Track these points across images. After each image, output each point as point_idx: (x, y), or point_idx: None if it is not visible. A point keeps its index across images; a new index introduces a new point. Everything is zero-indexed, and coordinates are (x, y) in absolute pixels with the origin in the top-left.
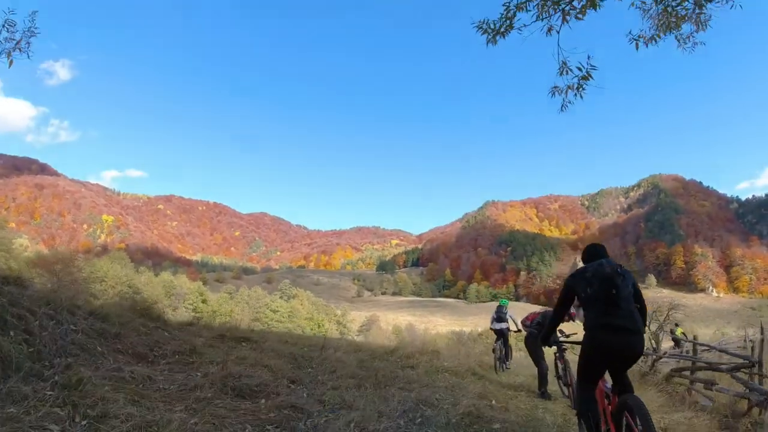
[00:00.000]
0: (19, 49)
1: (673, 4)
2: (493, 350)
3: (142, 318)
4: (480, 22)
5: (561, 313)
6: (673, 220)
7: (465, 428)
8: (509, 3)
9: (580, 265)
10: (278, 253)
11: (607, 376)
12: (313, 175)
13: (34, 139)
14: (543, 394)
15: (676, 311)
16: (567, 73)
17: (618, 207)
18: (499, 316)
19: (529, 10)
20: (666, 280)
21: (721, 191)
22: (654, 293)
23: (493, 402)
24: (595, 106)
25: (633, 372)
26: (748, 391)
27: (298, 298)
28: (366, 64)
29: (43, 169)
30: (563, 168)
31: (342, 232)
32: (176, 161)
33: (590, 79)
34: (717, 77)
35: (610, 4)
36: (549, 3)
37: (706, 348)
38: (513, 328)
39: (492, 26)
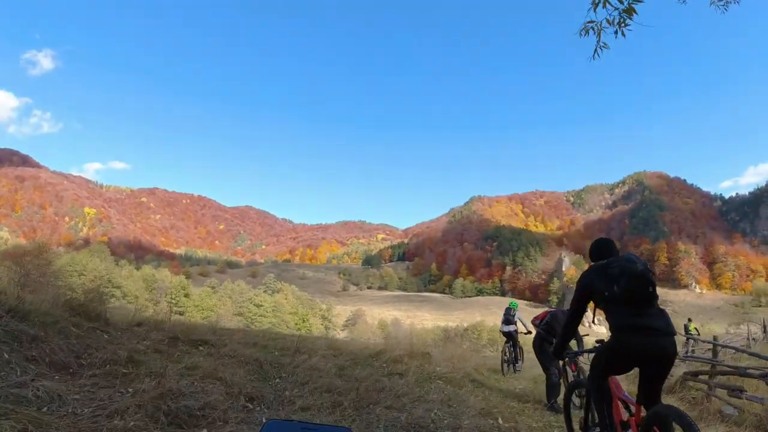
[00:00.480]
0: None
1: None
2: (502, 352)
3: (77, 317)
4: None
5: (577, 319)
6: (657, 216)
7: None
8: None
9: (567, 260)
10: (263, 246)
11: (623, 384)
12: (298, 169)
13: (16, 130)
14: (552, 406)
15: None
16: (605, 6)
17: (603, 203)
18: (508, 319)
19: None
20: None
21: (704, 189)
22: None
23: (500, 420)
24: (580, 103)
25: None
26: None
27: (282, 292)
28: (350, 59)
29: (25, 161)
30: (549, 164)
31: (328, 226)
32: (160, 154)
33: (634, 14)
34: (702, 76)
35: None
36: None
37: (721, 348)
38: (522, 330)
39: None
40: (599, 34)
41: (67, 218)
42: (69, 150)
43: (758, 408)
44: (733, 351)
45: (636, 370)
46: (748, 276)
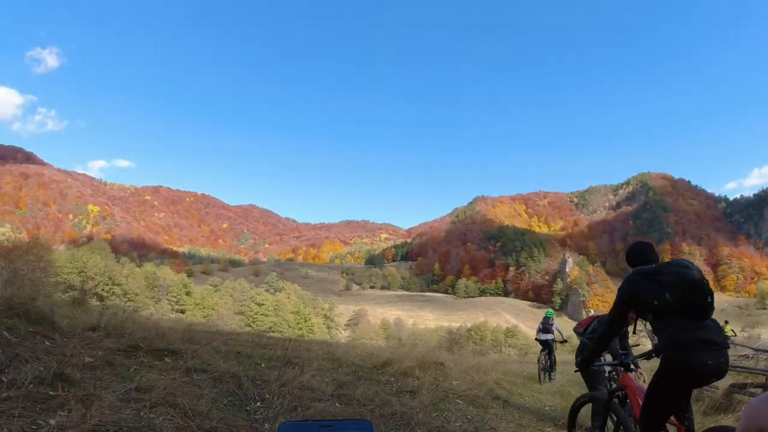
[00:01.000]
0: None
1: None
2: (538, 360)
3: (15, 318)
4: None
5: (617, 327)
6: (661, 218)
7: None
8: None
9: (570, 261)
10: (266, 245)
11: None
12: (302, 168)
13: (21, 128)
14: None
15: None
16: None
17: (607, 204)
18: (545, 327)
19: None
20: None
21: (709, 191)
22: None
23: None
24: (583, 103)
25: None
26: None
27: (284, 291)
28: (356, 59)
29: (29, 158)
30: (553, 165)
31: (331, 226)
32: (164, 152)
33: None
34: (706, 77)
35: None
36: None
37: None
38: (558, 338)
39: None
40: None
41: (71, 216)
42: (73, 148)
43: None
44: None
45: None
46: (752, 278)
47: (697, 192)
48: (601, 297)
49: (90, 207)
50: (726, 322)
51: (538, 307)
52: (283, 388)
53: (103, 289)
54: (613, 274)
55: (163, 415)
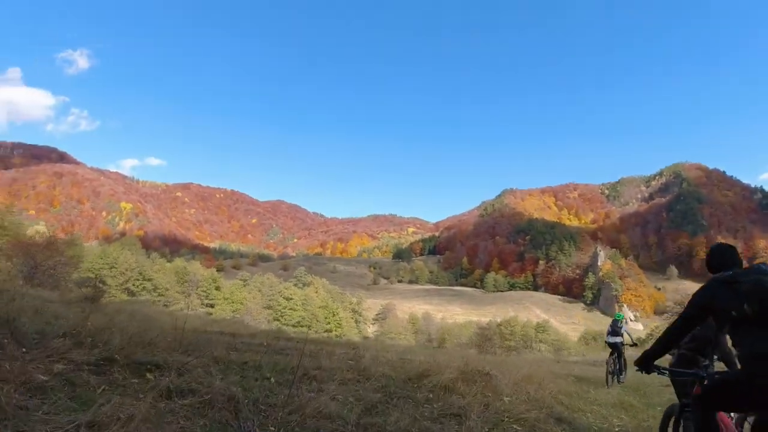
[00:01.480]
0: None
1: None
2: (607, 363)
3: None
4: None
5: (684, 331)
6: (695, 210)
7: None
8: None
9: (602, 254)
10: (295, 240)
11: None
12: (330, 164)
13: (54, 129)
14: None
15: None
16: None
17: (639, 196)
18: (614, 330)
19: None
20: (688, 271)
21: (744, 181)
22: (676, 285)
23: None
24: (616, 93)
25: None
26: None
27: (313, 285)
28: (381, 52)
29: (63, 157)
30: (583, 156)
31: (358, 220)
32: (195, 150)
33: None
34: (741, 67)
35: None
36: None
37: None
38: (628, 341)
39: None
40: None
41: (104, 213)
42: (106, 147)
43: None
44: None
45: None
46: None
47: (733, 183)
48: (634, 291)
49: (122, 204)
50: None
51: (569, 302)
52: (292, 415)
53: (134, 285)
54: (646, 267)
55: None
